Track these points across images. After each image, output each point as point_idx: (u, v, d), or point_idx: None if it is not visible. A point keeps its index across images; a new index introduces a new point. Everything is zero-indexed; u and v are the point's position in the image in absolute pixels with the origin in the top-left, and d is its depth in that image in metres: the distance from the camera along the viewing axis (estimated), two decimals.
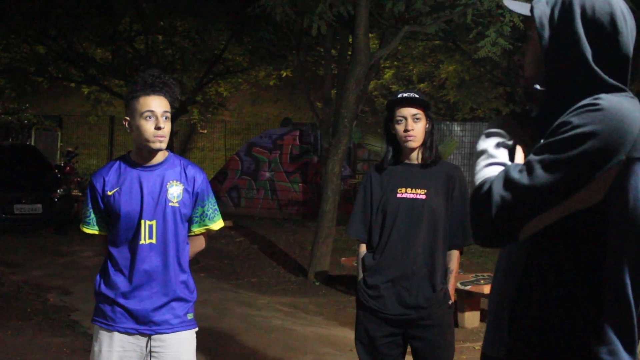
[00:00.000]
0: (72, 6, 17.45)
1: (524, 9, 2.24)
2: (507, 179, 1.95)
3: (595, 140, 1.90)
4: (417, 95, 4.13)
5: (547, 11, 2.15)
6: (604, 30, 2.08)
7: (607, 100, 1.97)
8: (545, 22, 2.14)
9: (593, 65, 2.06)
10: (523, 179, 1.93)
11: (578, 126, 1.92)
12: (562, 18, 2.11)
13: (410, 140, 4.10)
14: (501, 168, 2.03)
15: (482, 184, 2.00)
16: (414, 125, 4.08)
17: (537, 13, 2.16)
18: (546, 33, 2.14)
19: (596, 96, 1.99)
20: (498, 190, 1.94)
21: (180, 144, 28.39)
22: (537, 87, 2.18)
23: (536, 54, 2.19)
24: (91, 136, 27.61)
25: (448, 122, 20.54)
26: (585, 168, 1.92)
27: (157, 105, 3.55)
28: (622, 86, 2.09)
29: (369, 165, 17.71)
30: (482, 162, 2.09)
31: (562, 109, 2.09)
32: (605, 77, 2.07)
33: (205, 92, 23.13)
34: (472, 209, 2.03)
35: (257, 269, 11.73)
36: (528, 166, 1.94)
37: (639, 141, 1.96)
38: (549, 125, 2.10)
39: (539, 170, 1.92)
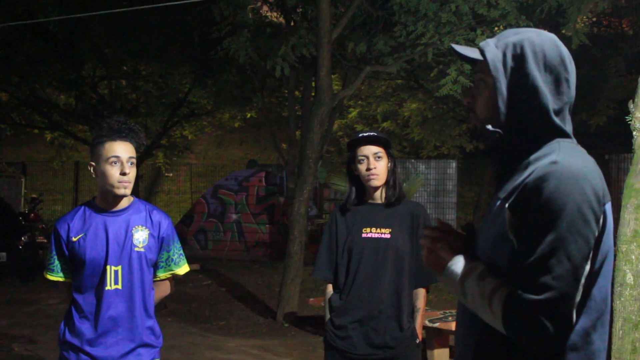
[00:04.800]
0: (34, 52, 17.41)
1: (473, 53, 2.28)
2: (541, 305, 1.92)
3: (588, 209, 1.98)
4: (376, 134, 4.18)
5: (499, 55, 2.20)
6: (556, 73, 2.15)
7: (562, 164, 2.02)
8: (499, 65, 2.19)
9: (550, 109, 2.13)
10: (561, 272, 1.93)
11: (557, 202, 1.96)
12: (515, 61, 2.17)
13: (373, 179, 4.13)
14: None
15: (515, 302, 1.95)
16: (375, 164, 4.11)
17: (489, 57, 2.20)
18: (501, 77, 2.18)
19: (553, 160, 2.04)
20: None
21: (146, 188, 28.25)
22: (489, 127, 2.22)
23: (489, 97, 2.23)
24: (56, 182, 27.41)
25: (413, 160, 20.69)
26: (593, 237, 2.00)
27: (122, 150, 3.56)
28: (569, 133, 2.17)
29: (335, 205, 17.74)
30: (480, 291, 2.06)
31: (515, 149, 2.18)
32: (559, 123, 2.15)
33: (170, 136, 23.12)
34: (530, 333, 1.95)
35: (225, 311, 11.65)
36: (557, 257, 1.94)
37: (603, 186, 2.06)
38: (502, 165, 2.19)
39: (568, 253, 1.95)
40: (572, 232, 1.94)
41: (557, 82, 2.15)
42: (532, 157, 2.13)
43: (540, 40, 2.17)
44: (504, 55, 2.19)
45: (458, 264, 2.16)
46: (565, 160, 2.03)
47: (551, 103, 2.13)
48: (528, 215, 2.00)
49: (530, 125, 2.16)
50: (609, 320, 2.16)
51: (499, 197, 2.16)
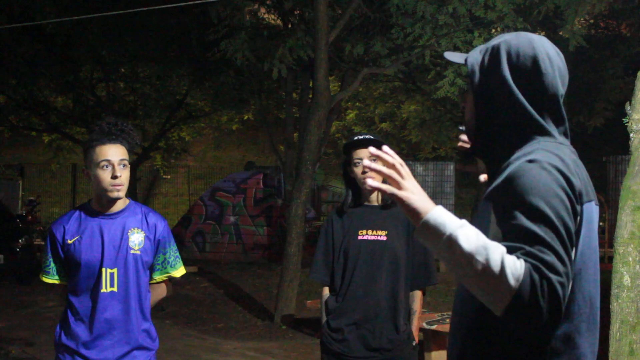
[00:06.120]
0: (32, 54, 17.39)
1: (461, 59, 2.35)
2: (545, 264, 1.86)
3: (564, 194, 1.97)
4: (372, 136, 4.18)
5: (479, 58, 2.27)
6: (527, 73, 2.17)
7: (540, 161, 2.02)
8: (476, 68, 2.26)
9: (526, 105, 2.15)
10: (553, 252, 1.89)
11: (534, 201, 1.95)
12: (491, 63, 2.22)
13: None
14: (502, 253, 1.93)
15: (527, 280, 1.85)
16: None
17: (469, 61, 2.28)
18: (476, 78, 2.24)
19: (530, 159, 2.04)
20: (552, 276, 1.86)
21: (143, 190, 28.22)
22: (461, 127, 2.31)
23: (471, 98, 2.29)
24: (53, 184, 27.37)
25: (410, 162, 20.67)
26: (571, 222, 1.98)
27: (113, 154, 3.55)
28: (549, 130, 2.17)
29: (333, 207, 17.74)
30: (487, 255, 1.91)
31: (497, 149, 2.21)
32: (538, 119, 2.15)
33: (168, 138, 23.10)
34: (534, 304, 1.85)
35: (223, 314, 11.64)
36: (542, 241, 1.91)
37: (582, 185, 2.06)
38: (489, 166, 2.25)
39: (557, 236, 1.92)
40: (552, 206, 1.93)
41: (530, 82, 2.16)
42: (513, 157, 2.14)
43: (517, 41, 2.21)
44: (483, 58, 2.26)
45: (444, 214, 2.04)
46: (543, 158, 2.03)
47: (525, 102, 2.15)
48: (507, 203, 2.00)
49: (507, 125, 2.18)
50: (597, 325, 2.16)
51: (484, 198, 2.18)
